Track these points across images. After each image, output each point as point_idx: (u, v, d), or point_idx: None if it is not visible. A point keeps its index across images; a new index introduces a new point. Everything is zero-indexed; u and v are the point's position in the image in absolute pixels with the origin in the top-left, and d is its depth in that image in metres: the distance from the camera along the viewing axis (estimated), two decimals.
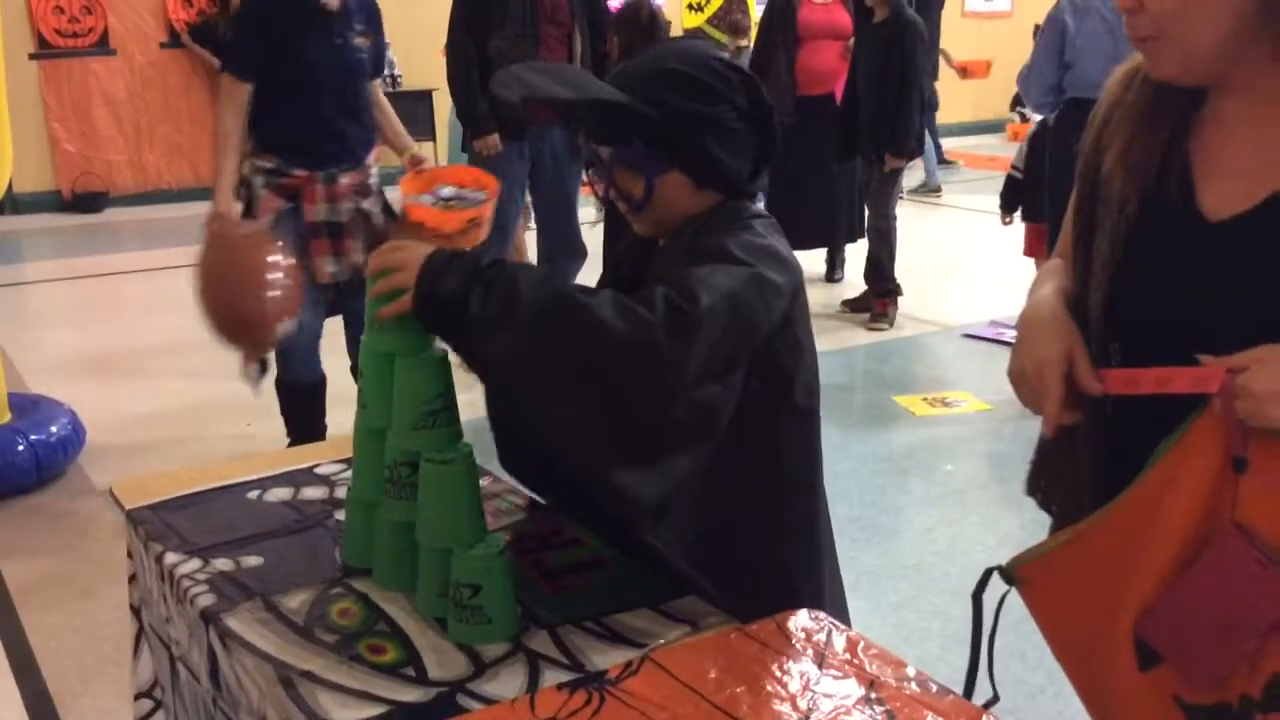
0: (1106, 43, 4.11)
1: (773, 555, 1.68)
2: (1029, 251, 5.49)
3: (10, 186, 3.83)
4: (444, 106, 9.23)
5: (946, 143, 10.78)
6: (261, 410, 4.55)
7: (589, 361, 1.35)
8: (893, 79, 5.47)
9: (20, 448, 3.70)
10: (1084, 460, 1.41)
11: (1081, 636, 1.35)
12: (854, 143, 5.75)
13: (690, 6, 11.67)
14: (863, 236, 6.19)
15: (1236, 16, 1.17)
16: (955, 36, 10.47)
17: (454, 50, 4.86)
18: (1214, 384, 1.16)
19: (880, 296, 5.80)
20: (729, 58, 1.65)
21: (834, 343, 5.47)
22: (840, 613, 1.80)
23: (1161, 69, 1.27)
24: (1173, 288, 1.28)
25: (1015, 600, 1.44)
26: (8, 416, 3.85)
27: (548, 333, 1.34)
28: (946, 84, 9.93)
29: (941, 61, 9.85)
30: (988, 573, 1.48)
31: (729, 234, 1.55)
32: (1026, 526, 3.57)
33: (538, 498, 1.80)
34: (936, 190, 9.44)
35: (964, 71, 10.25)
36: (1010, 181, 5.40)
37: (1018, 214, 5.40)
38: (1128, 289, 1.31)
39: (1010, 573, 1.43)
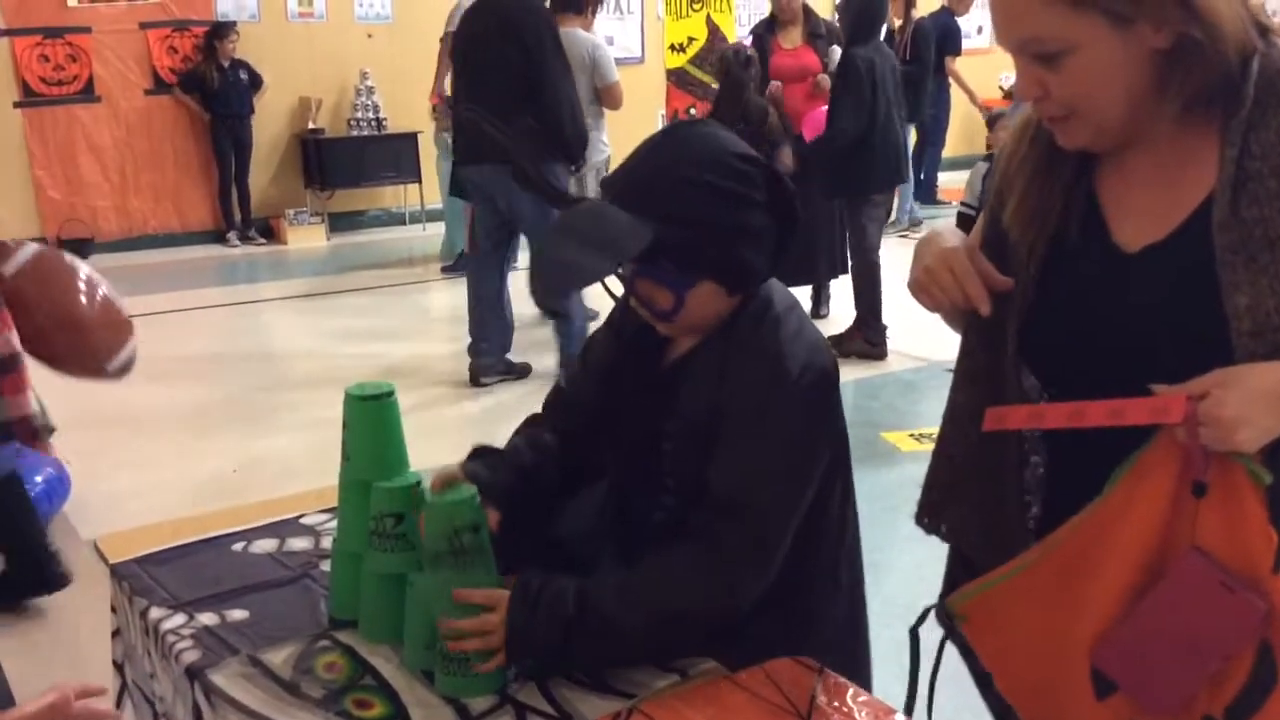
0: None
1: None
2: None
3: None
4: (428, 149, 9.30)
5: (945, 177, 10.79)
6: (247, 456, 4.54)
7: (686, 643, 1.50)
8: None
9: None
10: (1008, 486, 1.41)
11: (1032, 670, 1.36)
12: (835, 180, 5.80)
13: (672, 48, 11.75)
14: (845, 272, 6.23)
15: (1138, 92, 1.22)
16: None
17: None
18: (1176, 414, 1.17)
19: (859, 328, 5.84)
20: (743, 150, 1.53)
21: None
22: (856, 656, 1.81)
23: (1075, 141, 1.30)
24: (1091, 317, 1.31)
25: None
26: None
27: (646, 646, 1.49)
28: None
29: (965, 98, 9.95)
30: (926, 611, 1.49)
31: (765, 364, 1.51)
32: None
33: None
34: (916, 225, 9.47)
35: (988, 110, 10.33)
36: (962, 218, 5.41)
37: None
38: (1043, 326, 1.34)
39: (949, 611, 1.43)
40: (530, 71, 4.96)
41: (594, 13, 6.26)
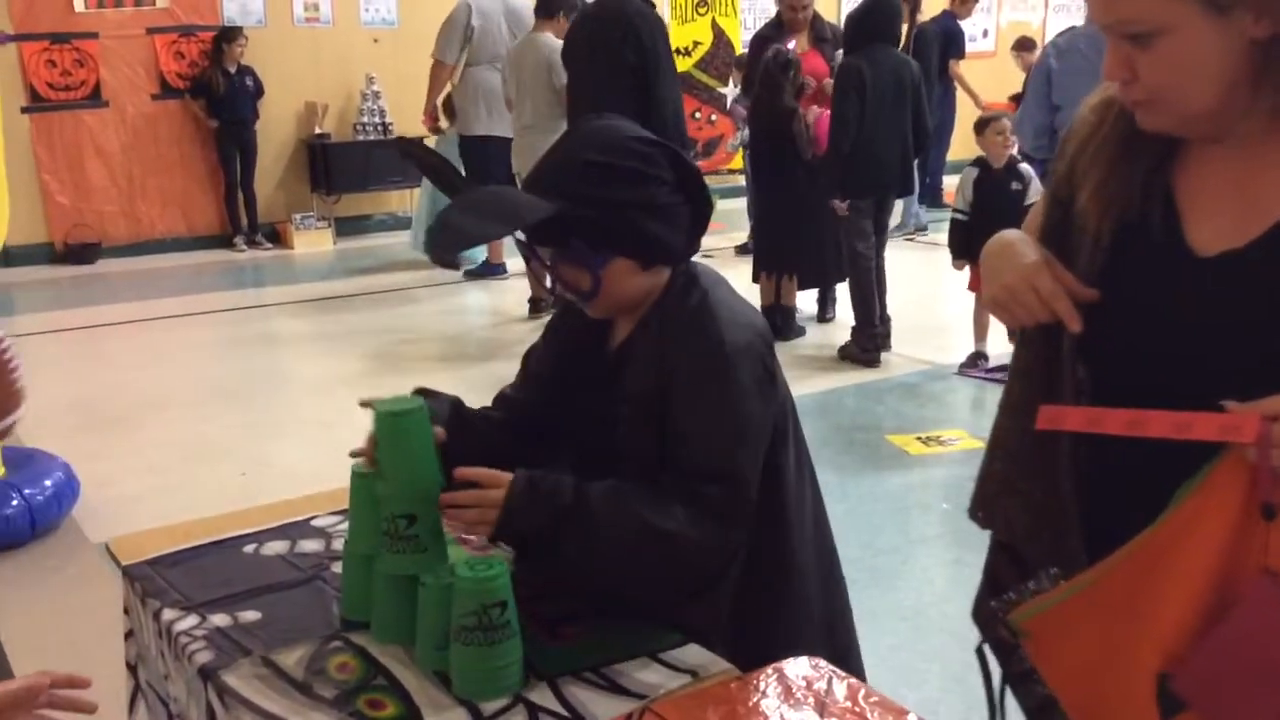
0: (1089, 82, 4.14)
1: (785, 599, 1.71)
2: (974, 287, 5.51)
3: (3, 239, 3.84)
4: None
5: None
6: (255, 459, 4.55)
7: (666, 574, 1.58)
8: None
9: (14, 502, 3.68)
10: (1061, 482, 1.37)
11: (1095, 688, 1.31)
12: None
13: (678, 51, 11.76)
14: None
15: (1229, 83, 1.17)
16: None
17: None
18: (1249, 433, 1.12)
19: (854, 334, 5.88)
20: (644, 135, 1.64)
21: (826, 383, 5.48)
22: (850, 653, 1.81)
23: (1157, 126, 1.25)
24: (1156, 319, 1.27)
25: None
26: (1, 471, 3.84)
27: (629, 561, 1.55)
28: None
29: (969, 101, 9.95)
30: (991, 627, 1.44)
31: (700, 336, 1.60)
32: None
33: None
34: (922, 230, 9.48)
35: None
36: (957, 225, 5.43)
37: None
38: (1103, 318, 1.29)
39: (1014, 627, 1.39)
40: (646, 71, 5.47)
41: (567, 16, 6.34)
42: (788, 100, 5.97)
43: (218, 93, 9.09)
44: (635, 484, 1.58)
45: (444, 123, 8.07)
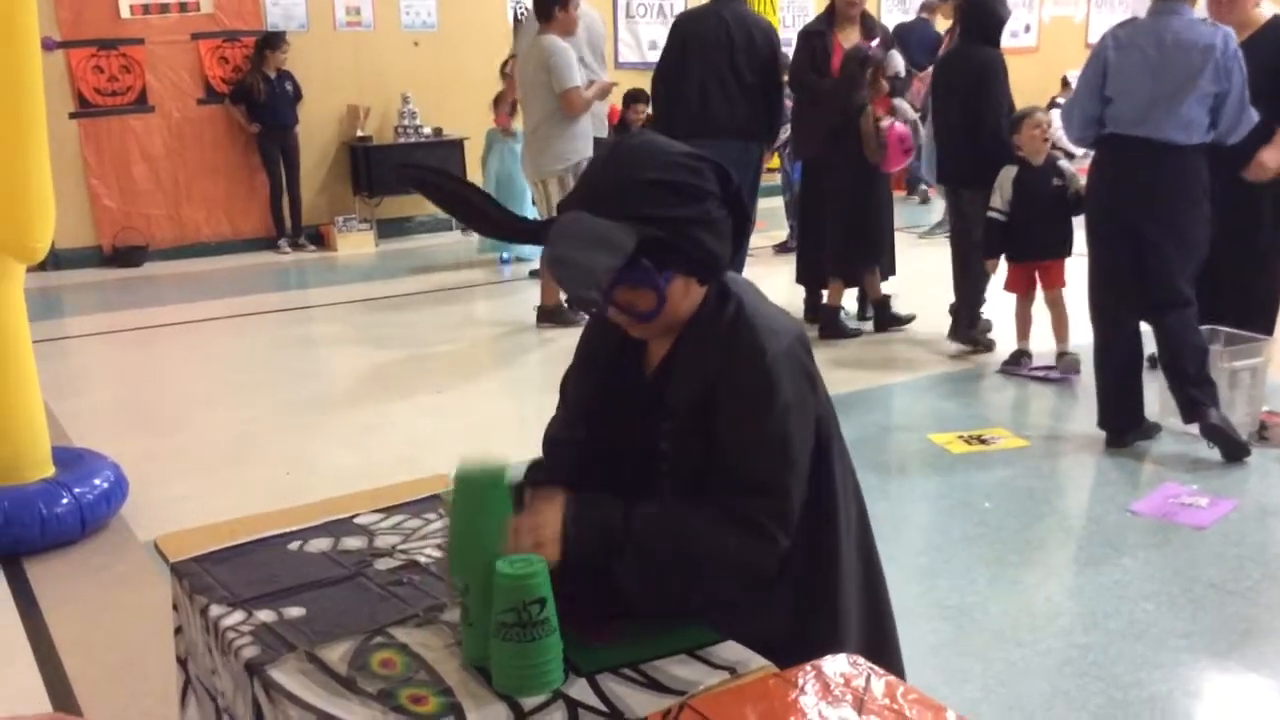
0: (1146, 80, 4.09)
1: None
2: (1011, 287, 5.51)
3: (52, 243, 3.91)
4: (475, 154, 9.37)
5: None
6: (299, 459, 4.60)
7: (712, 589, 1.61)
8: None
9: (65, 501, 3.74)
10: None
11: None
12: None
13: None
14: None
15: None
16: None
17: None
18: None
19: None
20: (688, 149, 1.64)
21: (867, 382, 5.45)
22: (890, 653, 1.81)
23: None
24: None
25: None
26: (52, 470, 3.90)
27: (676, 580, 1.58)
28: None
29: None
30: None
31: (741, 348, 1.61)
32: (1068, 564, 3.54)
33: None
34: None
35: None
36: (992, 224, 5.35)
37: (1002, 259, 5.42)
38: None
39: None
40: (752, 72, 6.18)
41: (564, 9, 6.34)
42: (861, 97, 6.02)
43: (259, 98, 9.19)
44: (679, 504, 1.60)
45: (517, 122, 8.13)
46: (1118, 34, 4.30)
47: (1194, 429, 4.24)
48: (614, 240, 1.52)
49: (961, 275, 5.98)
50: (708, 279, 1.65)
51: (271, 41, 9.24)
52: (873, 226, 6.20)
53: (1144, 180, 4.13)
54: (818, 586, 1.71)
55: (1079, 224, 4.84)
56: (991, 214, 5.35)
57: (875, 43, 6.26)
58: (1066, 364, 5.33)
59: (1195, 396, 4.18)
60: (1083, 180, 4.95)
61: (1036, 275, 5.44)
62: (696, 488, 1.61)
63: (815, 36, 6.40)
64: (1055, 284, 5.40)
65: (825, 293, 6.38)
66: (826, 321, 6.26)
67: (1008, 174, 5.28)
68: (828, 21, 6.43)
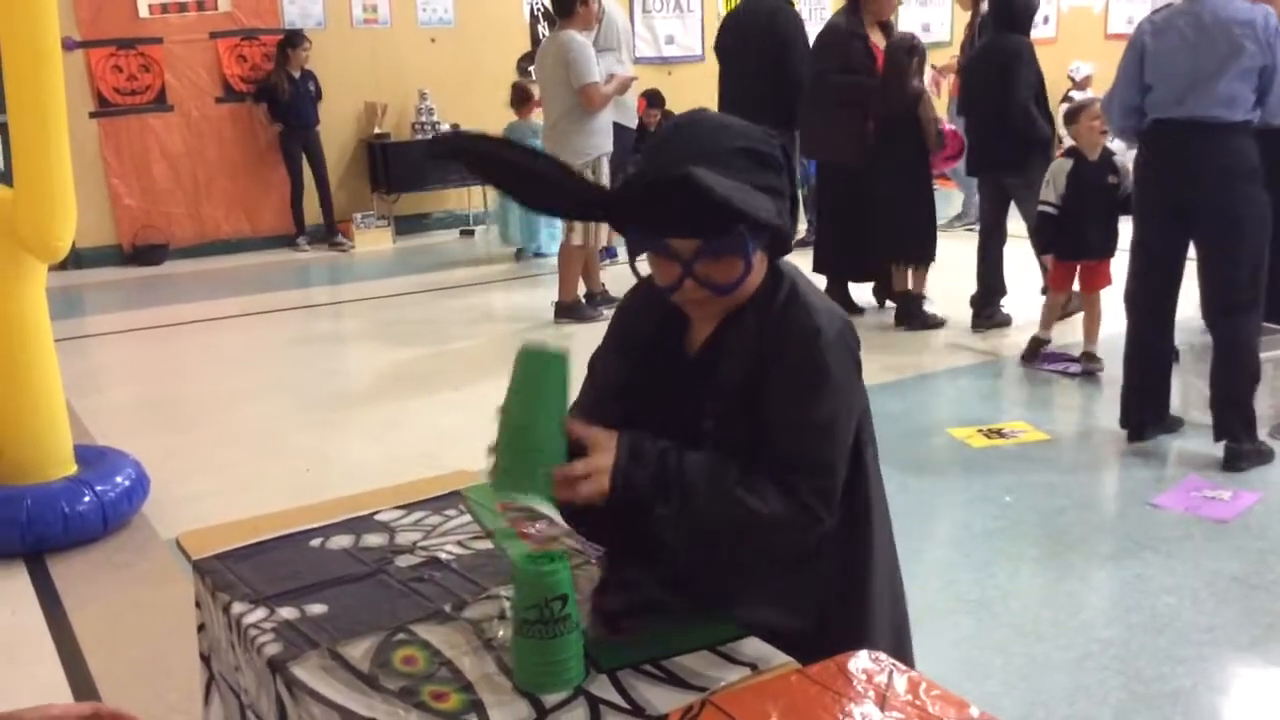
0: (1186, 61, 4.01)
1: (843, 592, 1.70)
2: (1055, 284, 5.39)
3: (73, 242, 3.93)
4: None
5: None
6: (320, 455, 4.62)
7: (750, 554, 1.61)
8: None
9: (87, 499, 3.77)
10: None
11: None
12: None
13: None
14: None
15: None
16: None
17: None
18: None
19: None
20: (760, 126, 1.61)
21: (887, 375, 5.44)
22: (901, 646, 1.80)
23: None
24: None
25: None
26: (74, 468, 3.93)
27: (718, 534, 1.57)
28: None
29: None
30: None
31: (796, 328, 1.58)
32: (1089, 558, 3.53)
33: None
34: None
35: (1070, 101, 10.23)
36: (1045, 219, 5.23)
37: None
38: None
39: None
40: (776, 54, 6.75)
41: (587, 4, 6.37)
42: (916, 84, 6.03)
43: (283, 97, 9.22)
44: (732, 462, 1.56)
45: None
46: (1154, 20, 4.24)
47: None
48: (747, 199, 1.46)
49: (982, 261, 6.00)
50: (779, 254, 1.63)
51: (293, 40, 9.27)
52: (928, 216, 6.24)
53: (1189, 161, 4.02)
54: (849, 580, 1.69)
55: (1125, 223, 4.83)
56: (1044, 208, 5.21)
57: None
58: (1089, 364, 5.26)
59: (1230, 424, 4.11)
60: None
61: (1078, 274, 5.32)
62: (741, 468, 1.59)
63: (837, 29, 6.36)
64: (1098, 285, 5.27)
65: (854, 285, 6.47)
66: (909, 312, 6.28)
67: (1062, 167, 5.14)
68: (852, 12, 6.35)
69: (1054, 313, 5.45)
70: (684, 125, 1.59)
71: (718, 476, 1.54)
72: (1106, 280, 5.25)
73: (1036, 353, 5.41)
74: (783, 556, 1.62)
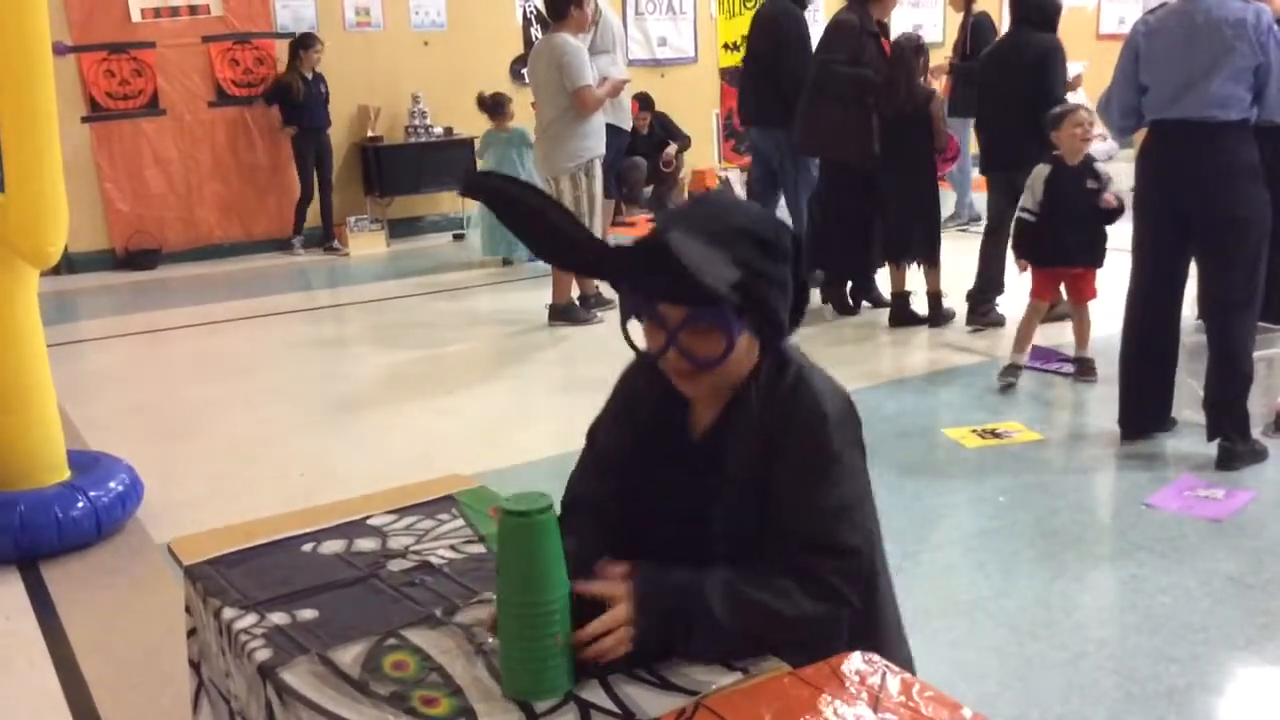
0: (1179, 61, 3.99)
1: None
2: (1038, 294, 5.23)
3: (65, 247, 3.92)
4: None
5: None
6: (313, 459, 4.61)
7: (789, 647, 1.54)
8: None
9: (80, 504, 3.76)
10: None
11: None
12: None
13: (725, 46, 11.75)
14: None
15: None
16: None
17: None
18: None
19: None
20: (773, 213, 1.66)
21: (881, 376, 5.44)
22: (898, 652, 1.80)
23: None
24: None
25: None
26: (67, 474, 3.92)
27: (755, 645, 1.52)
28: None
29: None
30: None
31: (805, 414, 1.58)
32: (1084, 558, 3.52)
33: None
34: (976, 220, 9.36)
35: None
36: (1021, 225, 5.14)
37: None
38: None
39: None
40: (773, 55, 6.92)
41: (579, 7, 6.37)
42: (926, 84, 6.10)
43: (298, 98, 9.20)
44: (747, 573, 1.54)
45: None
46: (1148, 20, 4.24)
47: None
48: (722, 261, 1.46)
49: (985, 258, 6.12)
50: (768, 342, 1.61)
51: (305, 41, 9.26)
52: (935, 216, 6.28)
53: (1186, 162, 4.00)
54: (865, 613, 1.67)
55: (1114, 232, 4.83)
56: (1022, 214, 5.14)
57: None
58: (1083, 368, 5.23)
59: (1224, 424, 4.10)
60: (1120, 184, 4.92)
61: (1063, 285, 5.22)
62: (745, 555, 1.57)
63: (843, 26, 6.33)
64: (1085, 296, 5.19)
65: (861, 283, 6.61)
66: (904, 312, 6.32)
67: (1040, 173, 5.07)
68: (860, 7, 6.32)
69: (1032, 327, 5.29)
70: (700, 202, 1.66)
71: (740, 593, 1.51)
72: (1094, 292, 5.18)
73: (1013, 374, 5.21)
74: (811, 641, 1.57)
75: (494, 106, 8.69)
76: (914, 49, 6.13)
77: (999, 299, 6.24)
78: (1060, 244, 5.06)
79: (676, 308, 1.53)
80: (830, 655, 1.54)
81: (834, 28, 6.44)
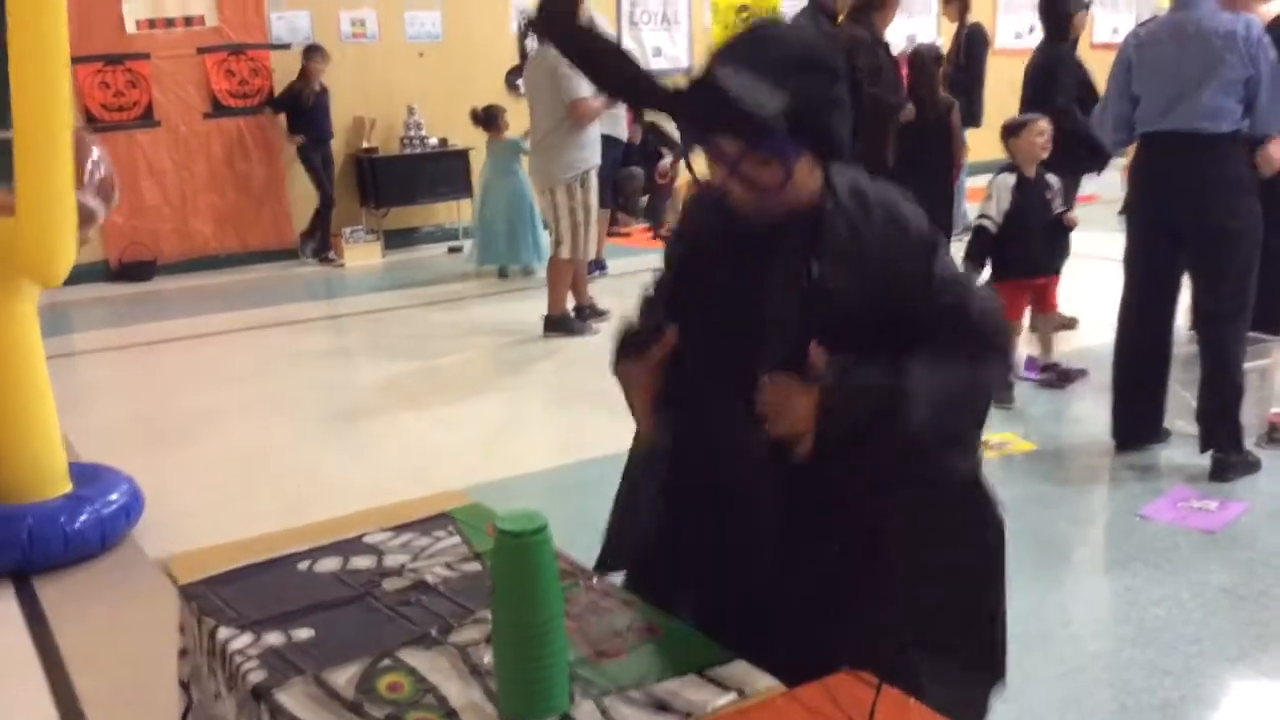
0: (1170, 73, 4.02)
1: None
2: (1010, 315, 4.90)
3: None
4: (480, 165, 9.39)
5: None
6: (309, 472, 4.61)
7: (975, 419, 1.70)
8: None
9: (84, 517, 3.75)
10: None
11: None
12: None
13: None
14: None
15: None
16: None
17: None
18: None
19: None
20: (825, 37, 1.72)
21: None
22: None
23: None
24: None
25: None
26: (69, 486, 3.92)
27: (954, 415, 1.63)
28: None
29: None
30: None
31: (894, 211, 1.65)
32: (1078, 570, 3.53)
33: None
34: (969, 229, 9.38)
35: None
36: (981, 233, 5.04)
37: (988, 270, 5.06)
38: None
39: None
40: None
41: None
42: (946, 93, 6.16)
43: (308, 104, 9.22)
44: (931, 351, 1.59)
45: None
46: (1139, 32, 4.27)
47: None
48: (768, 90, 1.51)
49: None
50: (829, 160, 1.65)
51: (310, 53, 9.27)
52: (949, 224, 6.36)
53: (1177, 174, 4.02)
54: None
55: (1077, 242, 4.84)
56: (984, 222, 5.04)
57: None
58: (1061, 375, 5.27)
59: (1217, 435, 4.11)
60: (1114, 193, 4.95)
61: (1028, 298, 5.18)
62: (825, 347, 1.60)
63: (880, 45, 6.26)
64: (1052, 304, 5.25)
65: None
66: None
67: (1006, 181, 5.03)
68: (864, 12, 6.23)
69: (1014, 342, 5.30)
70: (750, 33, 1.64)
71: (937, 374, 1.58)
72: (1055, 300, 5.28)
73: (1029, 365, 5.36)
74: (985, 411, 1.69)
75: (488, 120, 8.70)
76: (934, 59, 6.20)
77: None
78: (1028, 254, 5.03)
79: (733, 140, 1.57)
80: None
81: (848, 43, 6.42)
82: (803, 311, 1.61)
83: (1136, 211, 4.29)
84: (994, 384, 1.71)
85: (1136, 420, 4.38)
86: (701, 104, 1.55)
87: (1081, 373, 5.31)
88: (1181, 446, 4.36)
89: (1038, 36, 6.36)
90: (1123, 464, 4.32)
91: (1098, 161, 5.87)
